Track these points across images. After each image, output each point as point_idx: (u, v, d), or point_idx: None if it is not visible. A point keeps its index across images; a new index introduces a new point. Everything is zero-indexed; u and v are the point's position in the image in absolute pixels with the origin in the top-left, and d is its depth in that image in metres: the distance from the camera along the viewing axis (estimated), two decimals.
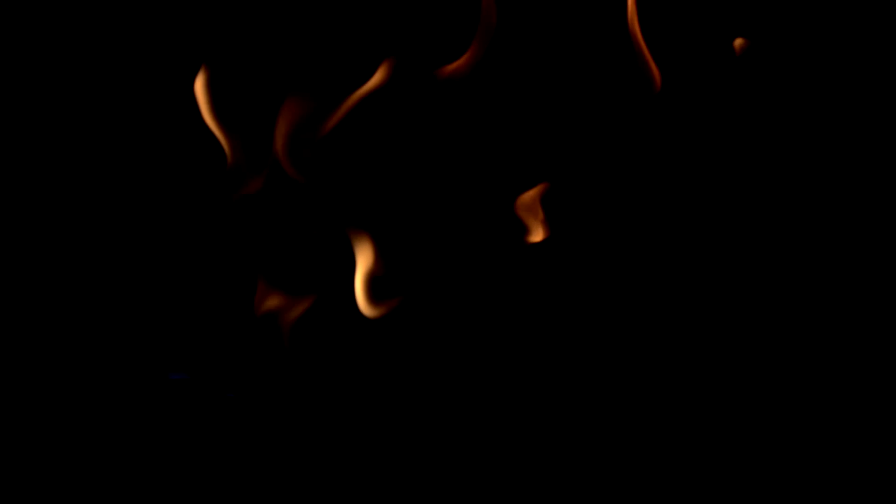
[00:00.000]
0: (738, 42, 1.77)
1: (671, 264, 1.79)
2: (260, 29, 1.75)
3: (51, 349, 1.81)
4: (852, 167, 1.81)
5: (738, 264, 1.80)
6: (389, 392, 1.75)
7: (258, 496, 1.61)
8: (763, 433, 1.68)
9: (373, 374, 1.76)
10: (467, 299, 1.77)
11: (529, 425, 1.70)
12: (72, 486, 1.62)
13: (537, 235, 1.76)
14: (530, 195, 1.76)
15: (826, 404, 1.72)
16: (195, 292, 1.82)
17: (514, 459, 1.65)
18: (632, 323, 1.78)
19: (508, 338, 1.77)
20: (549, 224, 1.76)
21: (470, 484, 1.63)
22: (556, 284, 1.78)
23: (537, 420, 1.70)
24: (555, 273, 1.78)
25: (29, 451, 1.67)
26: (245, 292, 1.79)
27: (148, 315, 1.82)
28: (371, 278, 1.71)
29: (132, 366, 1.79)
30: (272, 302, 1.75)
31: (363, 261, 1.71)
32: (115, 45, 1.80)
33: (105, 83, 1.81)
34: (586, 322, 1.78)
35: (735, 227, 1.80)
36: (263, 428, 1.70)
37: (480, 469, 1.64)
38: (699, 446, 1.66)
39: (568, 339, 1.77)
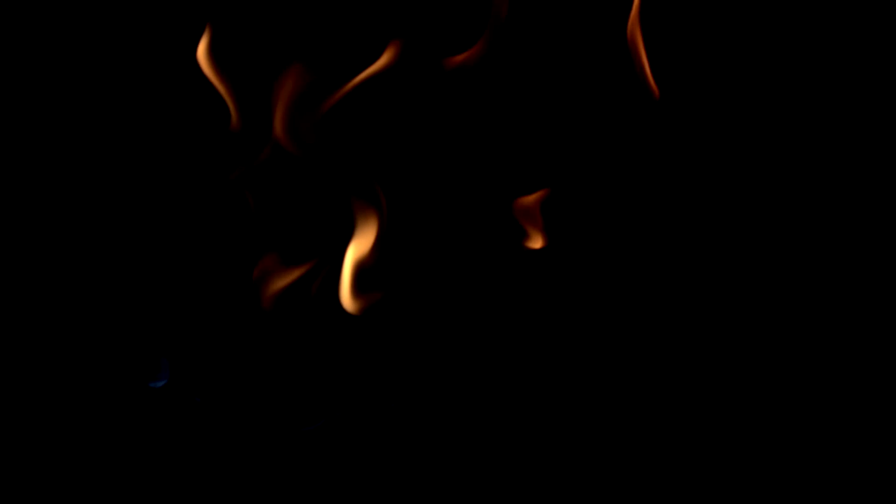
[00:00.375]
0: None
1: (669, 272, 1.80)
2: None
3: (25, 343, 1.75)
4: (851, 177, 1.83)
5: (736, 273, 1.82)
6: (363, 388, 1.73)
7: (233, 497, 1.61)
8: (763, 436, 1.70)
9: (347, 368, 1.73)
10: (457, 300, 1.74)
11: (522, 429, 1.69)
12: (50, 490, 1.61)
13: (536, 242, 1.74)
14: (530, 200, 1.74)
15: (826, 404, 1.74)
16: (179, 290, 1.78)
17: (497, 463, 1.65)
18: (629, 332, 1.78)
19: (498, 342, 1.75)
20: (547, 232, 1.74)
21: (449, 482, 1.63)
22: (552, 291, 1.75)
23: (531, 424, 1.70)
24: (551, 279, 1.75)
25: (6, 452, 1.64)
26: (227, 295, 1.75)
27: (132, 310, 1.77)
28: (358, 271, 1.68)
29: (111, 367, 1.74)
30: (266, 263, 1.71)
31: (356, 249, 1.68)
32: (114, 20, 1.76)
33: (101, 62, 1.78)
34: (583, 328, 1.77)
35: (734, 236, 1.81)
36: (233, 431, 1.70)
37: (459, 470, 1.64)
38: (698, 450, 1.68)
39: (563, 345, 1.77)
